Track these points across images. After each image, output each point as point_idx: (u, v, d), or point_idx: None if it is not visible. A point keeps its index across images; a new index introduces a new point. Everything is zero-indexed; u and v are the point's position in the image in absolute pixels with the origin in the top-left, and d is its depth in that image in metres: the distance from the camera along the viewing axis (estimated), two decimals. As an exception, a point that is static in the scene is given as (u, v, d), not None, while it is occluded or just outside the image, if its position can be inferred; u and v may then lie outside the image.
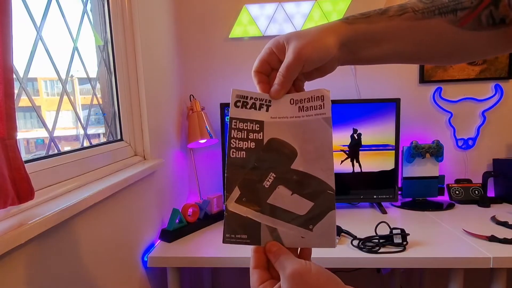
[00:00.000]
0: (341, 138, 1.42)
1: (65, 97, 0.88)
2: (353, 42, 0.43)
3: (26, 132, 0.84)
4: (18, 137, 0.54)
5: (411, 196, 1.50)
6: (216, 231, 1.27)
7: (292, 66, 0.41)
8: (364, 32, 0.43)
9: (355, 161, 1.43)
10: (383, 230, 1.08)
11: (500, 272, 1.04)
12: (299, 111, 0.42)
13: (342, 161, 1.43)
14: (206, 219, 1.32)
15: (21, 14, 0.73)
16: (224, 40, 1.58)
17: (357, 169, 1.44)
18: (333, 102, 1.44)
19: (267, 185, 0.41)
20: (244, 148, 0.42)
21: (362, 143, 1.42)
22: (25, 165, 0.56)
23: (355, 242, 1.06)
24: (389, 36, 0.43)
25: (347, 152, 1.43)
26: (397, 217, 1.34)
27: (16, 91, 0.67)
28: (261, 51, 0.45)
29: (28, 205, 0.62)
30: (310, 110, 0.42)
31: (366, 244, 1.05)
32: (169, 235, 1.18)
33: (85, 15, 1.00)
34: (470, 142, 1.57)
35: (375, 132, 1.41)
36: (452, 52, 0.45)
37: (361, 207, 1.48)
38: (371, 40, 0.44)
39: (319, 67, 0.43)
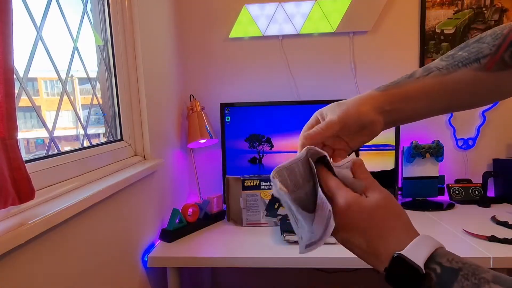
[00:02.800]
0: (341, 138, 1.42)
1: (65, 97, 0.88)
2: (389, 105, 0.47)
3: (26, 132, 0.84)
4: (18, 137, 0.54)
5: (411, 196, 1.50)
6: (216, 231, 1.27)
7: (332, 123, 0.46)
8: (397, 95, 0.47)
9: (355, 161, 1.43)
10: (383, 230, 1.08)
11: (500, 272, 1.04)
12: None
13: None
14: (206, 219, 1.32)
15: (21, 14, 0.73)
16: (224, 40, 1.58)
17: (357, 169, 1.43)
18: (333, 102, 1.44)
19: None
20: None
21: (362, 143, 1.42)
22: (26, 165, 0.56)
23: (355, 242, 1.06)
24: (422, 94, 0.47)
25: (347, 152, 1.43)
26: (397, 217, 1.34)
27: (16, 91, 0.67)
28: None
29: (28, 205, 0.62)
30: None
31: (366, 244, 1.05)
32: (169, 235, 1.18)
33: (85, 15, 1.00)
34: (470, 142, 1.57)
35: (375, 132, 1.41)
36: (486, 95, 0.47)
37: (361, 207, 1.48)
38: (405, 100, 0.47)
39: (361, 132, 0.48)
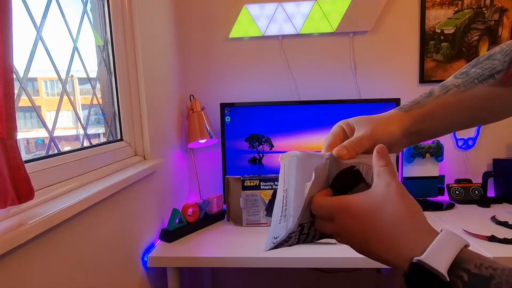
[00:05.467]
0: (341, 138, 1.42)
1: (65, 97, 0.88)
2: (414, 126, 0.48)
3: (26, 132, 0.84)
4: (18, 137, 0.54)
5: (411, 196, 1.50)
6: (216, 231, 1.27)
7: (365, 139, 0.45)
8: (420, 115, 0.48)
9: (355, 161, 1.43)
10: (383, 230, 1.08)
11: None
12: None
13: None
14: (206, 219, 1.32)
15: (21, 14, 0.73)
16: (224, 40, 1.58)
17: (357, 169, 1.43)
18: (333, 102, 1.44)
19: None
20: None
21: (362, 143, 1.42)
22: (25, 165, 0.56)
23: (355, 242, 1.06)
24: (443, 112, 0.48)
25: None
26: (397, 217, 1.34)
27: (16, 91, 0.67)
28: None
29: (28, 205, 0.62)
30: None
31: (366, 244, 1.05)
32: (169, 235, 1.18)
33: (85, 15, 1.00)
34: (470, 142, 1.57)
35: (375, 132, 1.41)
36: (504, 109, 0.48)
37: (361, 207, 1.48)
38: (428, 120, 0.48)
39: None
